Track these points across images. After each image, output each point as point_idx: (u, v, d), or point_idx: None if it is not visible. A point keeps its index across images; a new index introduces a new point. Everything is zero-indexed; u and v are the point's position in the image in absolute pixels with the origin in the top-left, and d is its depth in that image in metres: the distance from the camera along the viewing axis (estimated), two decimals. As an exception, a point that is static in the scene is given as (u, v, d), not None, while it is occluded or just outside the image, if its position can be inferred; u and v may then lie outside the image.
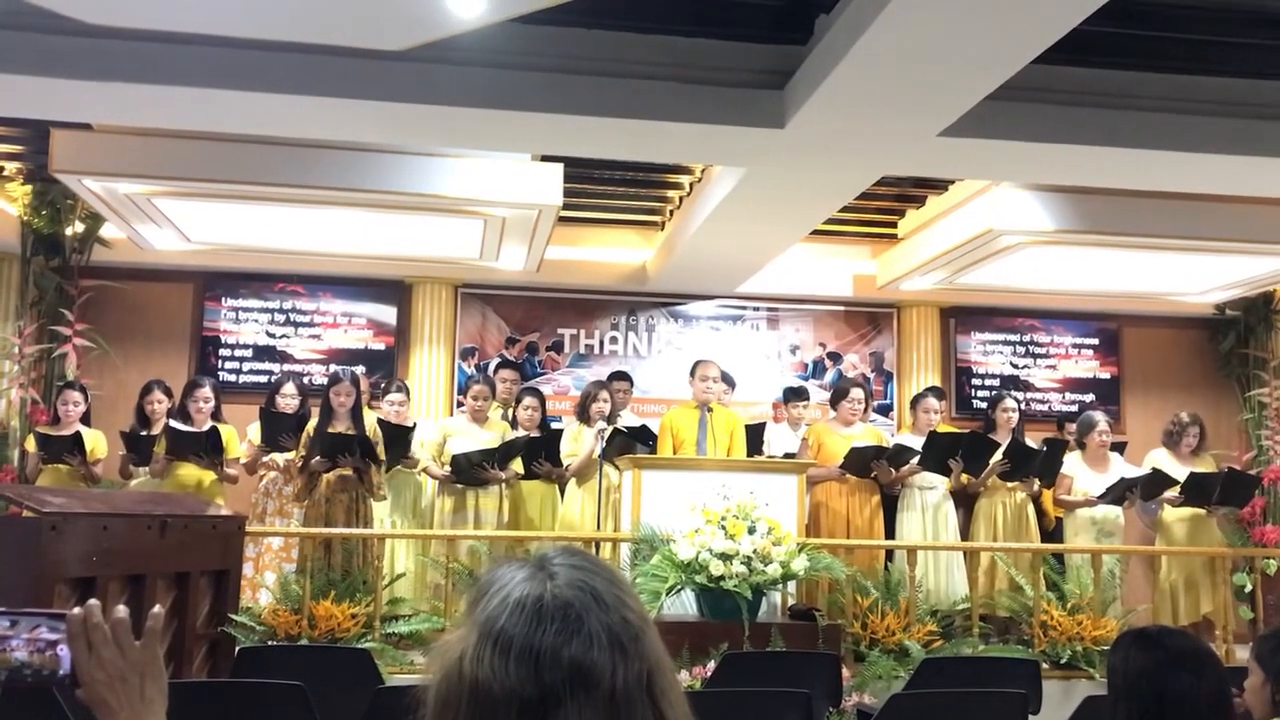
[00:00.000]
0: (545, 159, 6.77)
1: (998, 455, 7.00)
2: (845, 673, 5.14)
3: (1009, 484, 7.16)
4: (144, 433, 6.98)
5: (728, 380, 7.85)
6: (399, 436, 6.84)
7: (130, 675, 1.21)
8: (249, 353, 8.91)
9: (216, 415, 7.05)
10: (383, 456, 6.62)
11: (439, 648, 1.09)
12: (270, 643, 5.46)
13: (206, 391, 7.05)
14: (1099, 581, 6.43)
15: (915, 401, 7.77)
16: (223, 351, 8.87)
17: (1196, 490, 7.18)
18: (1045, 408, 9.66)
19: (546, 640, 1.02)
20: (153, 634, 1.24)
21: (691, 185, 7.64)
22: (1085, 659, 6.10)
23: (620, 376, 8.12)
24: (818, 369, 9.54)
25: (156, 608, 1.25)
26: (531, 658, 1.01)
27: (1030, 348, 9.83)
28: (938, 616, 6.38)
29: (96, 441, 7.22)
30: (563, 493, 7.23)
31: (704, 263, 8.23)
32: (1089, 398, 9.66)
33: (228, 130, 6.01)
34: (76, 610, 1.21)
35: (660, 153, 6.22)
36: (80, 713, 1.24)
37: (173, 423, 6.84)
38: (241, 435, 7.17)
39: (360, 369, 8.16)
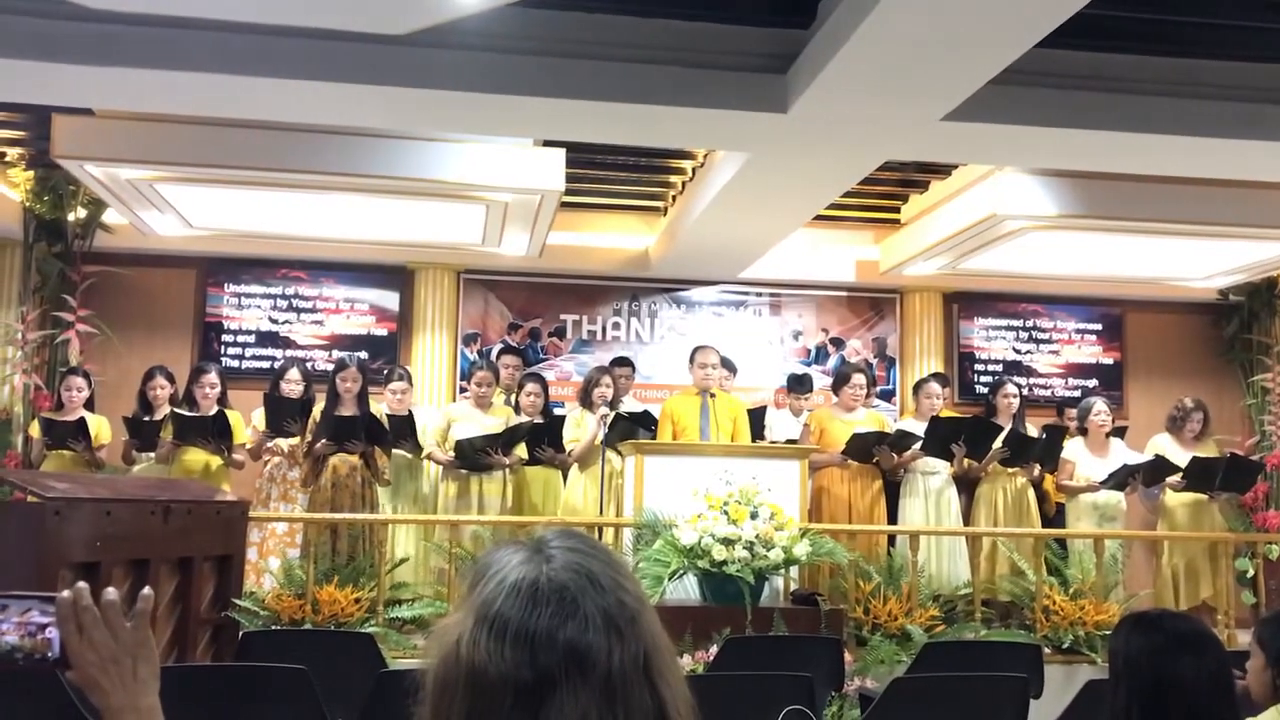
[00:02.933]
0: (547, 144, 6.76)
1: (998, 443, 6.99)
2: (847, 657, 5.15)
3: (1009, 469, 7.16)
4: (146, 418, 6.99)
5: (728, 366, 7.84)
6: (402, 429, 6.85)
7: (122, 657, 1.21)
8: (252, 338, 8.91)
9: (222, 401, 7.06)
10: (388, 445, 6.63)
11: (437, 631, 1.09)
12: (274, 627, 5.49)
13: (213, 377, 7.07)
14: (1101, 566, 6.43)
15: (918, 387, 7.76)
16: (225, 337, 8.88)
17: (1200, 476, 7.16)
18: (1048, 393, 9.64)
19: (541, 623, 1.02)
20: (143, 615, 1.23)
21: (694, 170, 7.62)
22: (1087, 643, 6.10)
23: (622, 362, 8.12)
24: (820, 354, 9.54)
25: (146, 589, 1.25)
26: (527, 640, 1.01)
27: (1033, 333, 9.81)
28: (940, 601, 6.38)
29: (101, 427, 7.23)
30: (565, 478, 7.23)
31: (706, 248, 8.22)
32: (1092, 383, 9.64)
33: (229, 115, 6.01)
34: (65, 593, 1.21)
35: (662, 138, 6.21)
36: (82, 695, 1.24)
37: (179, 410, 6.85)
38: (246, 421, 7.19)
39: (362, 355, 8.16)
